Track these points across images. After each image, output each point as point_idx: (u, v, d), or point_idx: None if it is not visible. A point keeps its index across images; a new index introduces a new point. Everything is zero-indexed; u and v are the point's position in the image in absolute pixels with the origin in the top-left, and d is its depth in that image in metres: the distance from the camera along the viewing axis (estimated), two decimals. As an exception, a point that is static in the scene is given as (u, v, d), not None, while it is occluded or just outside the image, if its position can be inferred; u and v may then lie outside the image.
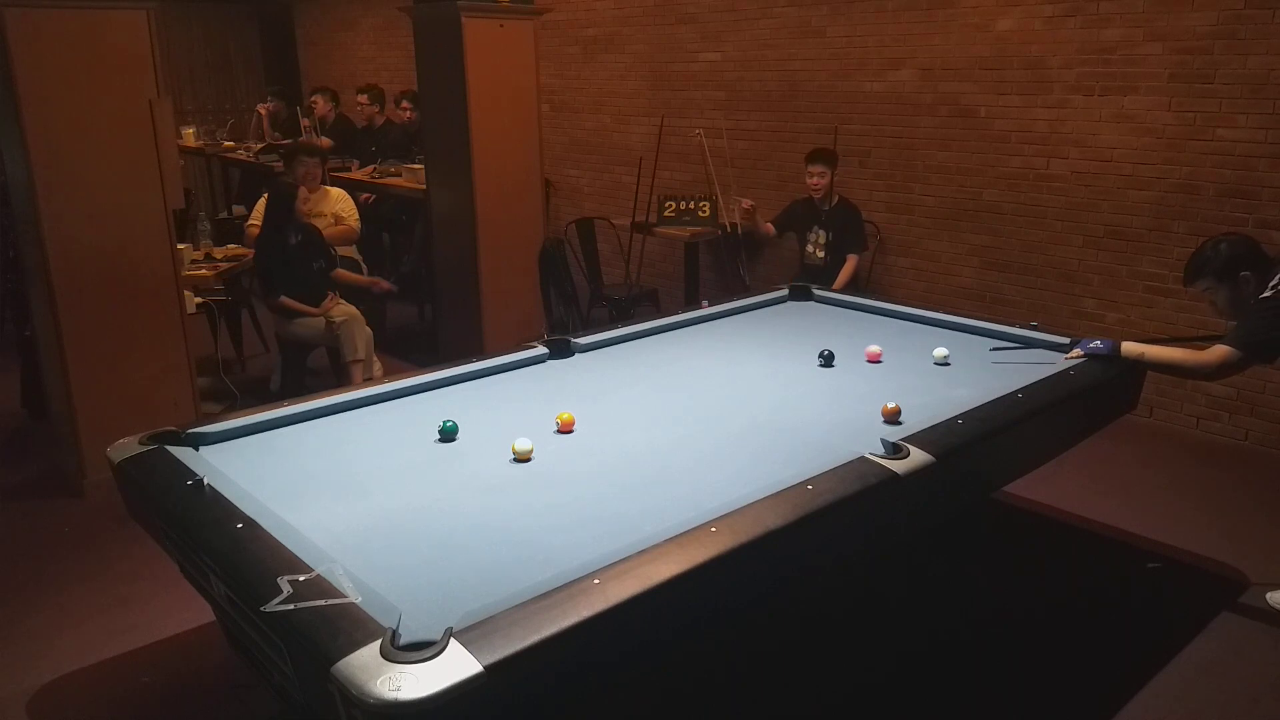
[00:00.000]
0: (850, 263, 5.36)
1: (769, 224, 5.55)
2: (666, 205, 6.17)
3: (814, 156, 5.33)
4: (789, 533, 2.10)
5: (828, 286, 5.18)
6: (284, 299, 4.88)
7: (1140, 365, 3.24)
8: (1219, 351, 3.05)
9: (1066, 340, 3.42)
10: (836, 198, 5.40)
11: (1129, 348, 3.20)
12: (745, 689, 2.84)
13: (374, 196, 7.14)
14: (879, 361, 3.36)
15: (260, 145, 8.27)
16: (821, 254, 5.39)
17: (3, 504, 4.13)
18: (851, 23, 5.70)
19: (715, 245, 6.46)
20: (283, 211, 4.87)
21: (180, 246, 4.52)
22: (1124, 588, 3.45)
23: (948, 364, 3.31)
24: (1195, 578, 3.48)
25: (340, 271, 5.26)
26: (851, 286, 5.38)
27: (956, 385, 3.05)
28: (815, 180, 5.29)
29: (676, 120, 6.62)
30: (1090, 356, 3.22)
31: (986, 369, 3.24)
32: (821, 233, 5.38)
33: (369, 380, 4.31)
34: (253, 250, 5.17)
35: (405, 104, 7.61)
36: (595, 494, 2.36)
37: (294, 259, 4.91)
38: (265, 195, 5.45)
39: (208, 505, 2.19)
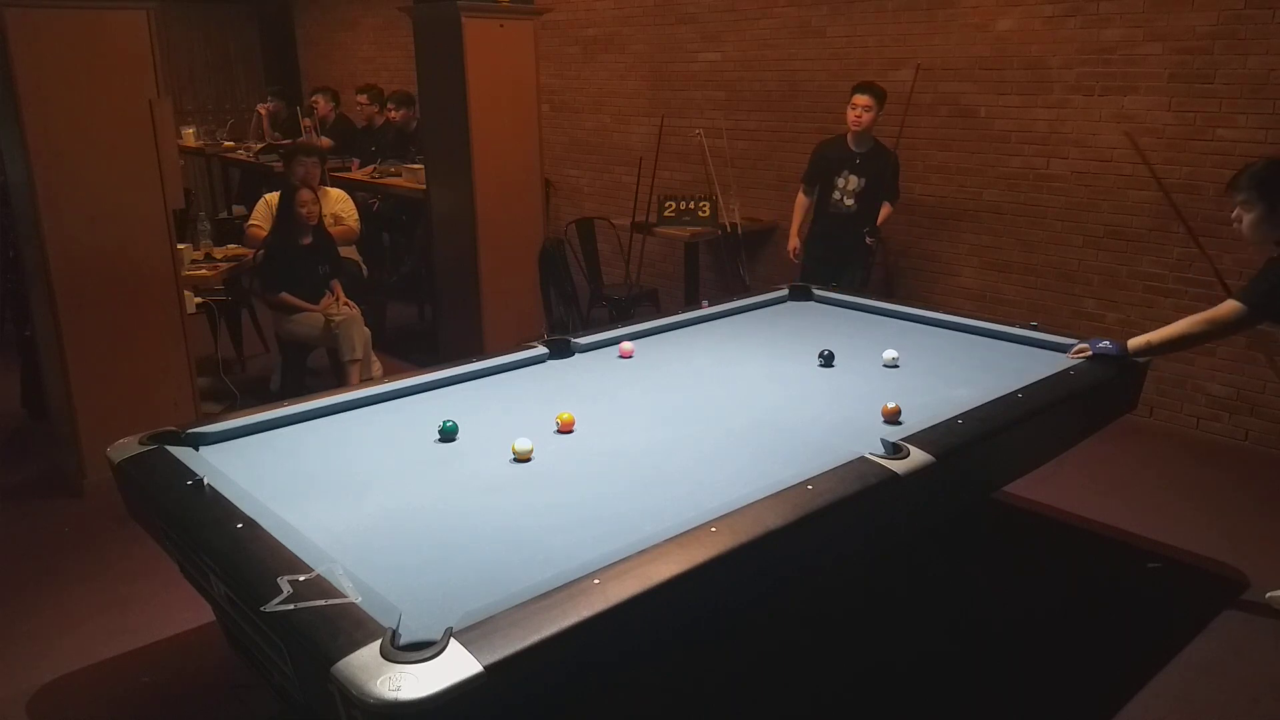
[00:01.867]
0: (886, 208, 5.01)
1: (796, 241, 5.22)
2: (666, 205, 6.17)
3: (862, 86, 4.84)
4: (789, 533, 2.10)
5: (855, 235, 5.01)
6: (284, 295, 4.90)
7: (1155, 354, 3.22)
8: (1226, 307, 3.01)
9: (1067, 340, 3.42)
10: (873, 141, 4.98)
11: (1135, 343, 3.18)
12: (745, 689, 2.84)
13: (378, 203, 7.15)
14: (630, 356, 3.39)
15: (260, 145, 8.27)
16: (850, 201, 4.98)
17: (3, 504, 4.12)
18: (851, 23, 5.70)
19: (715, 245, 6.46)
20: (291, 211, 4.90)
21: (180, 246, 4.51)
22: (1124, 588, 3.45)
23: (896, 366, 3.29)
24: (1195, 578, 3.48)
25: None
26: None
27: (956, 385, 3.05)
28: (858, 114, 4.80)
29: (676, 120, 6.63)
30: (1100, 357, 3.21)
31: (986, 369, 3.24)
32: (854, 177, 4.94)
33: (368, 380, 4.31)
34: (253, 250, 5.17)
35: (390, 105, 7.61)
36: (595, 494, 2.36)
37: (300, 259, 4.93)
38: (265, 196, 5.47)
39: (208, 505, 2.19)
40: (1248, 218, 3.02)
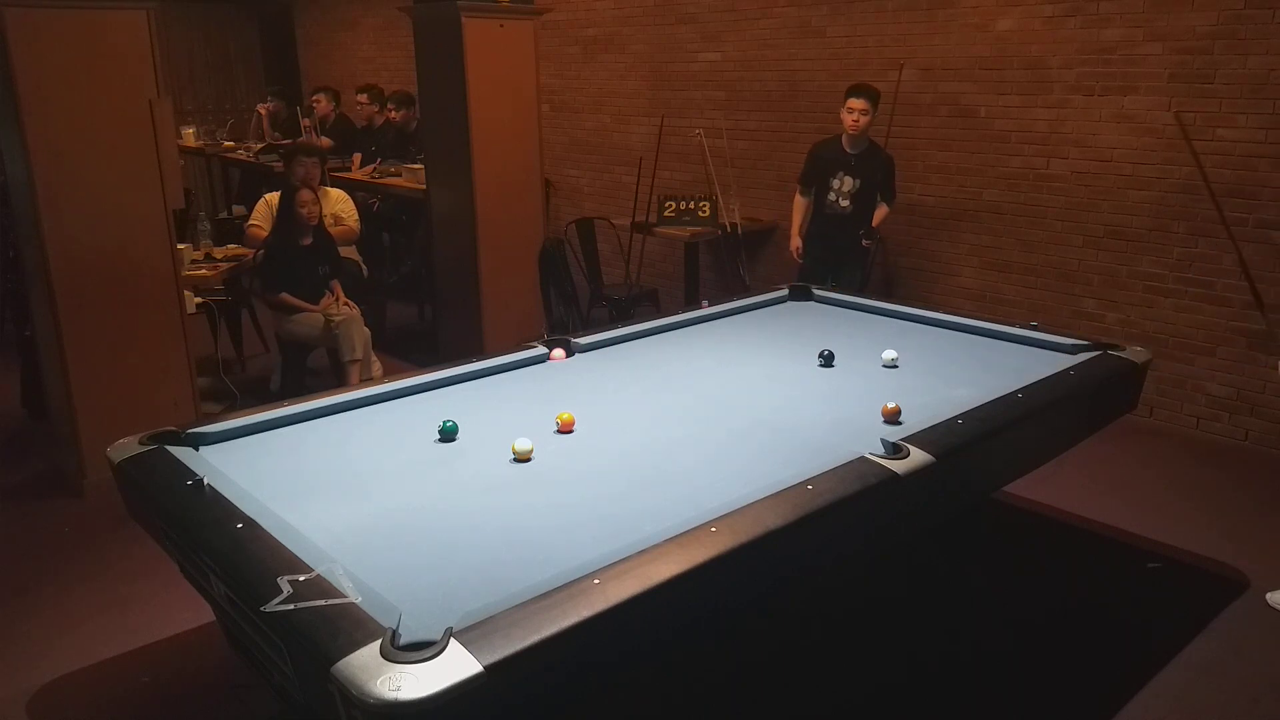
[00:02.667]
0: (882, 209, 5.03)
1: (798, 241, 5.22)
2: (666, 205, 6.18)
3: (856, 89, 4.84)
4: (789, 533, 2.10)
5: (851, 236, 5.01)
6: (284, 295, 4.90)
7: None
8: None
9: (1067, 340, 3.42)
10: (868, 142, 5.00)
11: None
12: (745, 689, 2.84)
13: (378, 203, 7.15)
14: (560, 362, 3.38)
15: (260, 145, 8.27)
16: (846, 203, 4.97)
17: (3, 504, 4.12)
18: (851, 23, 5.70)
19: (715, 245, 6.46)
20: (291, 212, 4.91)
21: (180, 246, 4.52)
22: (1124, 588, 3.45)
23: (896, 366, 3.28)
24: (1195, 578, 3.48)
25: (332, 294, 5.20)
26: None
27: (956, 385, 3.05)
28: (854, 117, 4.80)
29: (676, 120, 6.63)
30: None
31: (986, 369, 3.24)
32: (848, 179, 4.95)
33: (368, 380, 4.31)
34: (253, 250, 5.17)
35: (390, 105, 7.62)
36: (595, 494, 2.36)
37: (300, 259, 4.93)
38: (265, 196, 5.47)
39: (208, 505, 2.19)
40: None
